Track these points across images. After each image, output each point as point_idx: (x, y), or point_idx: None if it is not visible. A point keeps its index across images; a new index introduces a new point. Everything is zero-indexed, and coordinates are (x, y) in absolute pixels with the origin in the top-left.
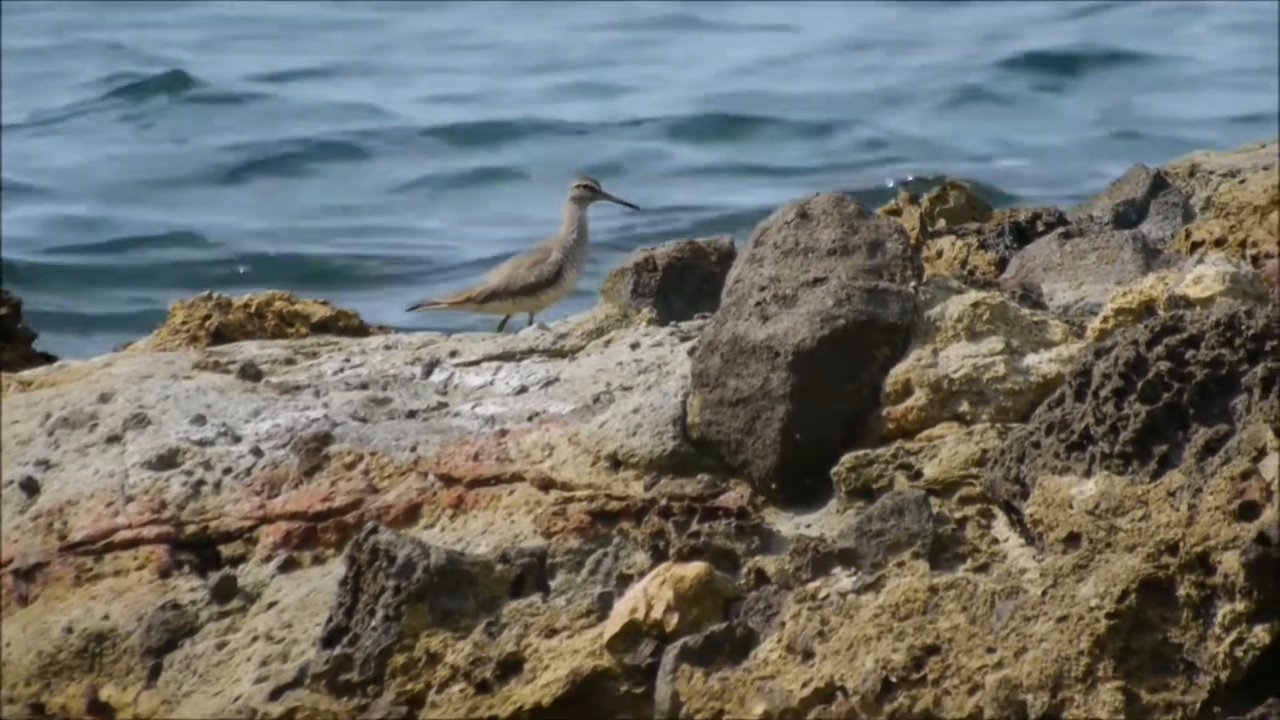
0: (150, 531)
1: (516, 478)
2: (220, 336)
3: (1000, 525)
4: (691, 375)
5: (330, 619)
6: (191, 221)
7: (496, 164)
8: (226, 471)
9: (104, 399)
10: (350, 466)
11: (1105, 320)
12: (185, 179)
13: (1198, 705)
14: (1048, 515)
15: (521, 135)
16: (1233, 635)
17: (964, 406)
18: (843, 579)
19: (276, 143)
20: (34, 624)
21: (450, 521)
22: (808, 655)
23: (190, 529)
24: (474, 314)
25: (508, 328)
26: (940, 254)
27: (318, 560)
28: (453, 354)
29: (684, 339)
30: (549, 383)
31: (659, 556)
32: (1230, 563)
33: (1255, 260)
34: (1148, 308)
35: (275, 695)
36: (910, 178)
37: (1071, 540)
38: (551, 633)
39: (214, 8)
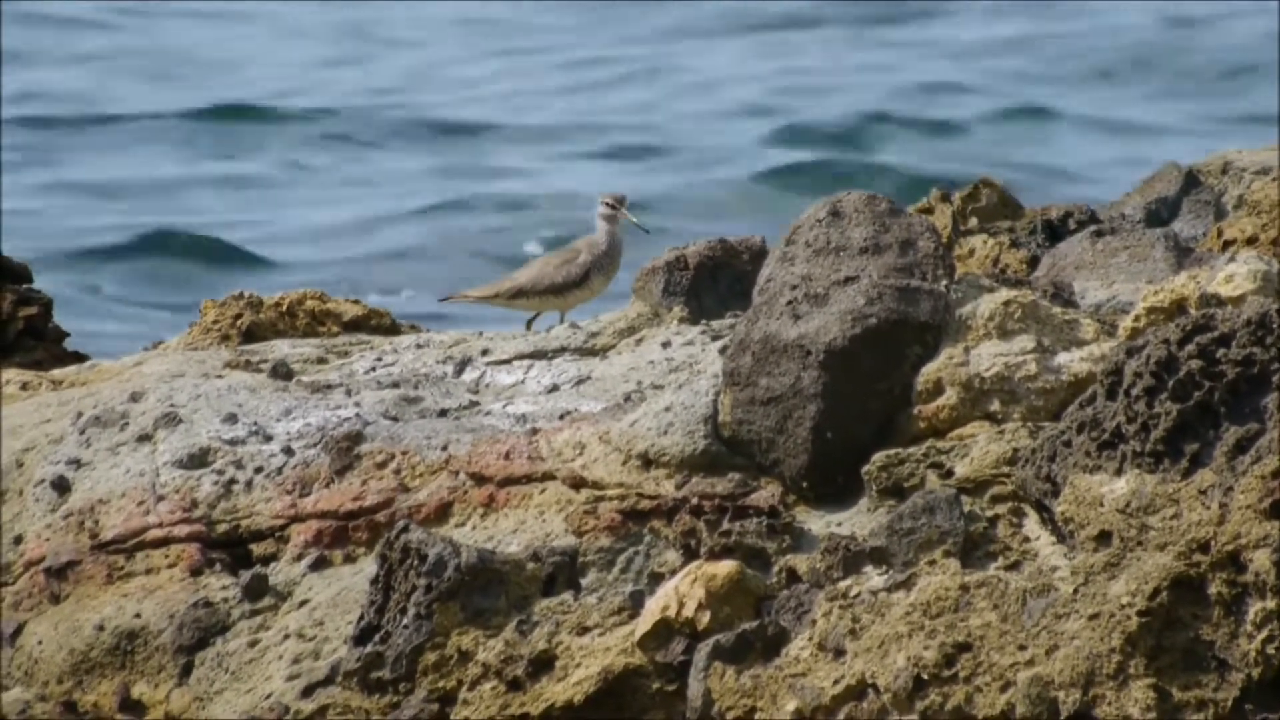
0: (181, 530)
1: (548, 476)
2: (252, 335)
3: (1031, 524)
4: (723, 374)
5: (362, 617)
6: None
7: None
8: (258, 470)
9: (135, 398)
10: (381, 465)
11: (1137, 319)
12: None
13: (1229, 702)
14: (1079, 513)
15: None
16: (1264, 633)
17: (995, 405)
18: (874, 577)
19: None
20: (66, 622)
21: (481, 520)
22: (839, 653)
23: (221, 528)
24: (503, 309)
25: (535, 325)
26: (972, 252)
27: (349, 559)
28: (484, 352)
29: (715, 338)
30: (580, 381)
31: (690, 555)
32: (1261, 561)
33: None
34: (1179, 306)
35: (307, 693)
36: None
37: (1103, 538)
38: (583, 631)
39: None
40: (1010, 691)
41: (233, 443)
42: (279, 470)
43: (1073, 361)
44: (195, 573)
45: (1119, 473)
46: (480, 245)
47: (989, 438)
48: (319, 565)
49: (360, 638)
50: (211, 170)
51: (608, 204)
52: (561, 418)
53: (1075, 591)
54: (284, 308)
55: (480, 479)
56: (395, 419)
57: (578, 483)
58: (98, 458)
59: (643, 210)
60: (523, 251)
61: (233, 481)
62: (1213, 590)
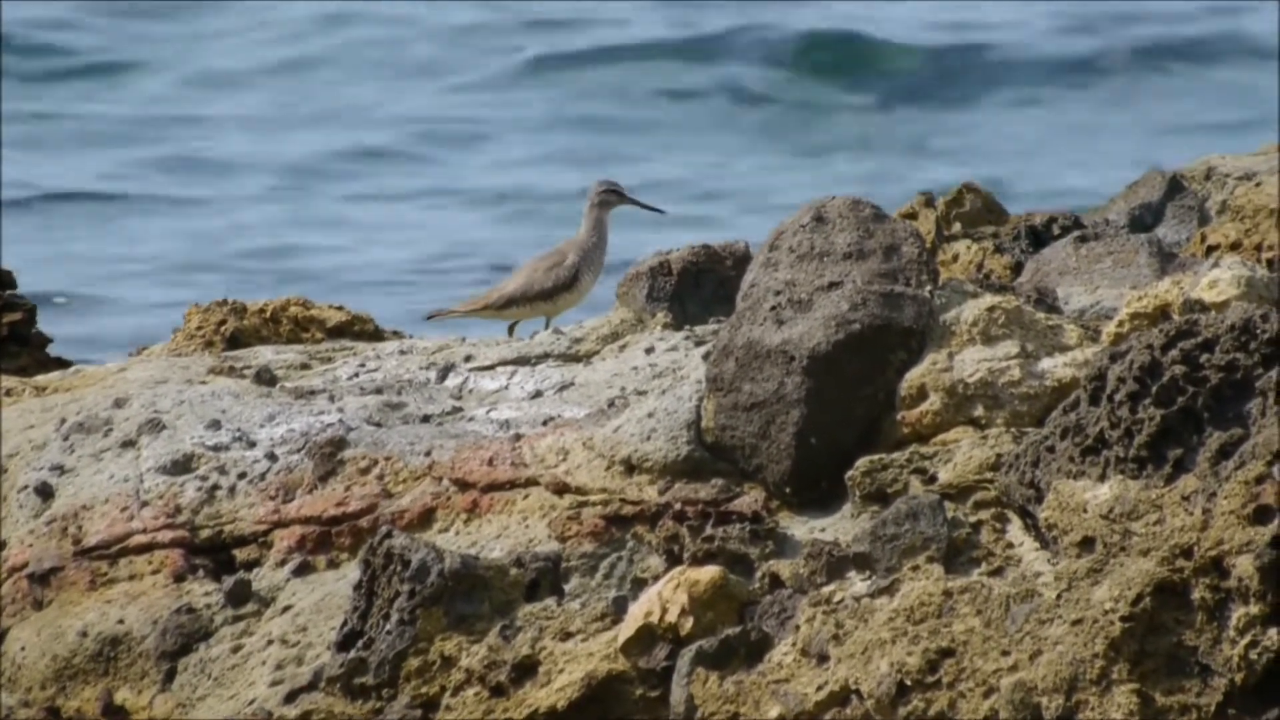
0: (165, 536)
1: (531, 482)
2: (235, 341)
3: (1015, 529)
4: (706, 380)
5: (345, 623)
6: None
7: None
8: (241, 476)
9: (119, 404)
10: (365, 471)
11: (1120, 324)
12: None
13: (1212, 708)
14: (1062, 519)
15: None
16: (1247, 638)
17: (979, 410)
18: (857, 583)
19: None
20: (49, 628)
21: (465, 526)
22: (822, 659)
23: (205, 533)
24: (491, 320)
25: (517, 331)
26: (956, 258)
27: (332, 564)
28: (468, 358)
29: (699, 343)
30: (564, 387)
31: (673, 560)
32: (1244, 566)
33: (1271, 263)
34: (1163, 312)
35: (290, 699)
36: None
37: (1086, 544)
38: (566, 636)
39: None
40: (993, 697)
41: (216, 448)
42: (262, 476)
43: (1056, 367)
44: (178, 578)
45: (1102, 478)
46: None
47: (972, 443)
48: (302, 571)
49: (343, 643)
50: None
51: (607, 191)
52: (545, 423)
53: (1058, 597)
54: (268, 314)
55: (463, 485)
56: (379, 425)
57: (561, 488)
58: (81, 464)
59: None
60: None
61: (216, 487)
62: (1196, 596)
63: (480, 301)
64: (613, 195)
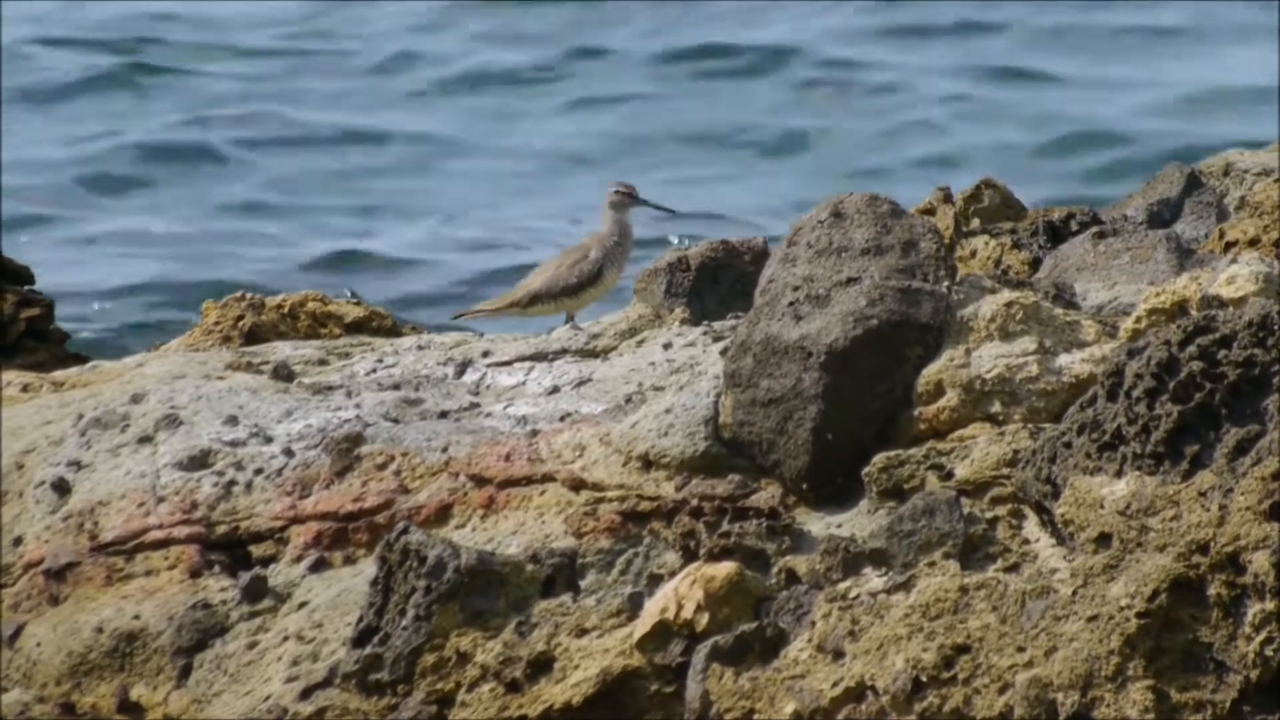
0: (181, 532)
1: (548, 478)
2: (253, 337)
3: (1031, 525)
4: (724, 375)
5: (361, 619)
6: None
7: None
8: (258, 472)
9: (136, 399)
10: (382, 467)
11: (1138, 320)
12: None
13: (1228, 704)
14: (1079, 515)
15: None
16: (1263, 635)
17: (996, 407)
18: (873, 579)
19: None
20: (65, 624)
21: (481, 522)
22: (838, 655)
23: (221, 529)
24: (519, 318)
25: (538, 325)
26: (974, 253)
27: (349, 560)
28: (485, 354)
29: (716, 339)
30: (581, 383)
31: (690, 556)
32: (1261, 562)
33: None
34: (1181, 308)
35: (306, 695)
36: None
37: (1102, 540)
38: (582, 632)
39: None
40: (1009, 693)
41: (233, 444)
42: (279, 472)
43: (1074, 363)
44: (195, 574)
45: (1119, 474)
46: None
47: (989, 439)
48: (318, 567)
49: (359, 639)
50: None
51: (621, 192)
52: (562, 419)
53: (1074, 593)
54: (285, 309)
55: (480, 481)
56: (396, 420)
57: (578, 484)
58: (98, 459)
59: None
60: None
61: (233, 483)
62: (1212, 592)
63: (506, 300)
64: (625, 198)
